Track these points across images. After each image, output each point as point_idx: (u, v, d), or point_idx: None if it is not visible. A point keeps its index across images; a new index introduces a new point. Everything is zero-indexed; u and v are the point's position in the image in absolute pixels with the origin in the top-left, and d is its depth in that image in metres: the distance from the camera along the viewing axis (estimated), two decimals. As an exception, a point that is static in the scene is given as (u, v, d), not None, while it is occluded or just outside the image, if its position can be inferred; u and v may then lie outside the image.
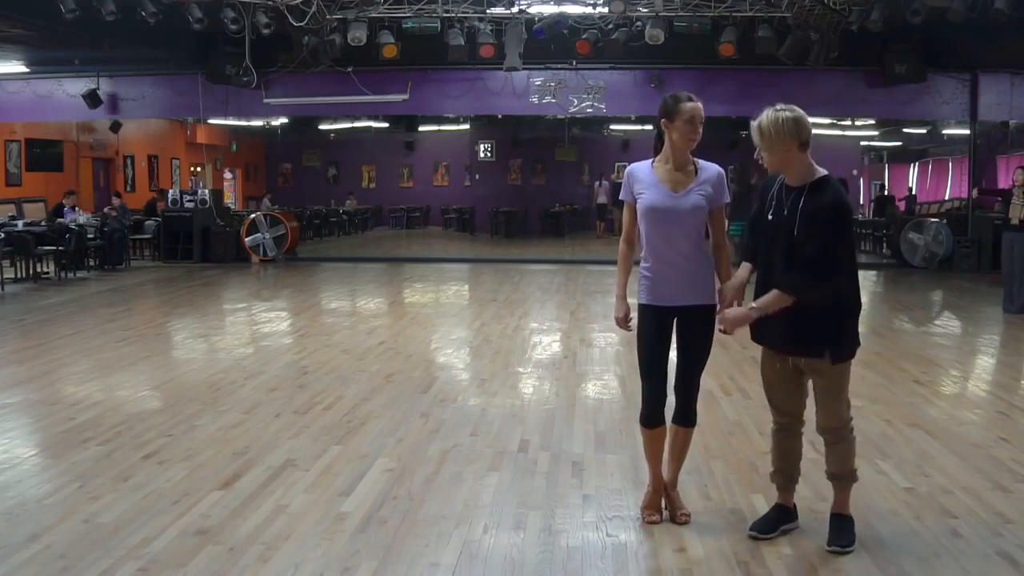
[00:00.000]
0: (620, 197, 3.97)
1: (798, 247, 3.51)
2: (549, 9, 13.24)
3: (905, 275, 14.80)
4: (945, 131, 22.13)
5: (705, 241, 3.89)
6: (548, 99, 15.49)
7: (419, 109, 17.94)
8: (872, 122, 22.66)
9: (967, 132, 17.14)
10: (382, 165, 29.76)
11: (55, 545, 3.66)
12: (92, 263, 15.02)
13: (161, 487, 4.36)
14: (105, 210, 16.20)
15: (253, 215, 17.42)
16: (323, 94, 16.00)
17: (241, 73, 14.02)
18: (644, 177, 3.85)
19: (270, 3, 12.28)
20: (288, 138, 27.32)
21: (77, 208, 15.31)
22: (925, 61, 14.28)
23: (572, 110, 15.85)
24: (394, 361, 7.50)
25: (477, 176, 26.53)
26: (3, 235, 12.55)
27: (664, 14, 12.71)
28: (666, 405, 3.93)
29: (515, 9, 13.45)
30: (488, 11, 13.30)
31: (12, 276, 13.08)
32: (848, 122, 22.58)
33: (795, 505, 3.90)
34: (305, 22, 12.57)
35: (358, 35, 13.08)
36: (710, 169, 3.85)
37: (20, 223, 13.70)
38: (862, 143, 27.52)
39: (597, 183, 24.12)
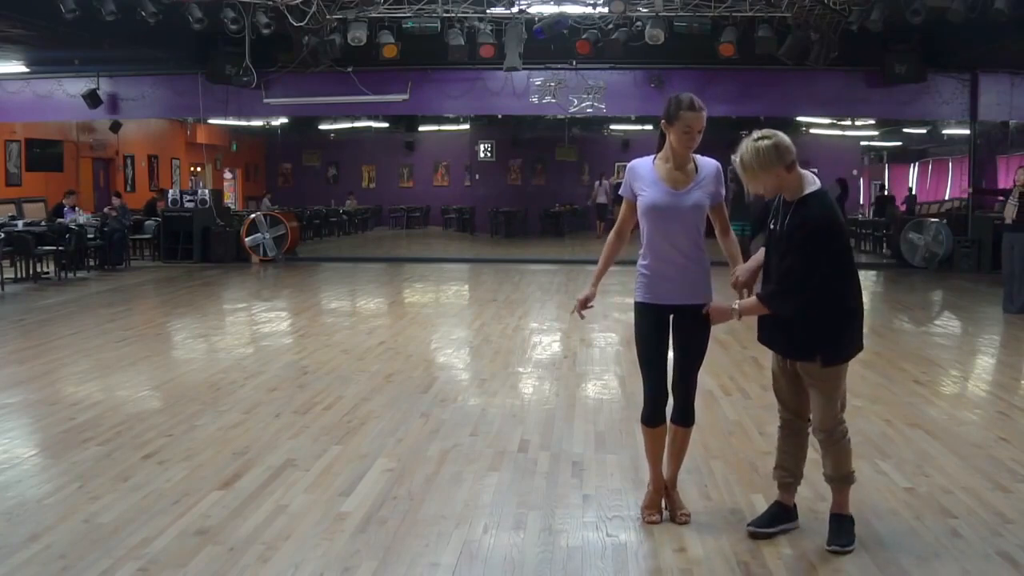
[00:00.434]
0: (620, 192, 3.98)
1: (782, 260, 3.59)
2: (549, 9, 13.25)
3: (905, 275, 14.80)
4: (945, 131, 22.14)
5: (705, 240, 3.89)
6: (548, 99, 15.50)
7: (419, 109, 17.95)
8: (872, 122, 22.67)
9: (967, 132, 17.14)
10: (382, 165, 29.76)
11: (55, 545, 3.66)
12: (92, 263, 15.02)
13: (161, 487, 4.36)
14: (105, 210, 16.20)
15: (253, 215, 17.42)
16: (323, 94, 16.01)
17: (241, 73, 14.02)
18: (645, 175, 3.85)
19: (270, 3, 12.28)
20: (288, 138, 27.33)
21: (77, 208, 15.31)
22: (925, 61, 14.29)
23: (572, 110, 15.85)
24: (394, 361, 7.50)
25: (477, 176, 26.53)
26: (3, 235, 12.55)
27: (664, 14, 12.71)
28: (667, 404, 3.94)
29: (515, 9, 13.45)
30: (488, 11, 13.31)
31: (12, 276, 13.08)
32: (848, 122, 22.59)
33: (795, 505, 3.90)
34: (305, 22, 12.57)
35: (358, 35, 13.09)
36: (708, 166, 3.86)
37: (20, 223, 13.70)
38: (862, 143, 27.53)
39: (597, 183, 24.13)
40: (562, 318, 9.84)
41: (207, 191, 17.09)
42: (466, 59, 13.79)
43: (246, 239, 16.47)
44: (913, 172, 29.46)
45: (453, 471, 4.63)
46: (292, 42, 13.93)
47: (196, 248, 16.42)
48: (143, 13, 11.55)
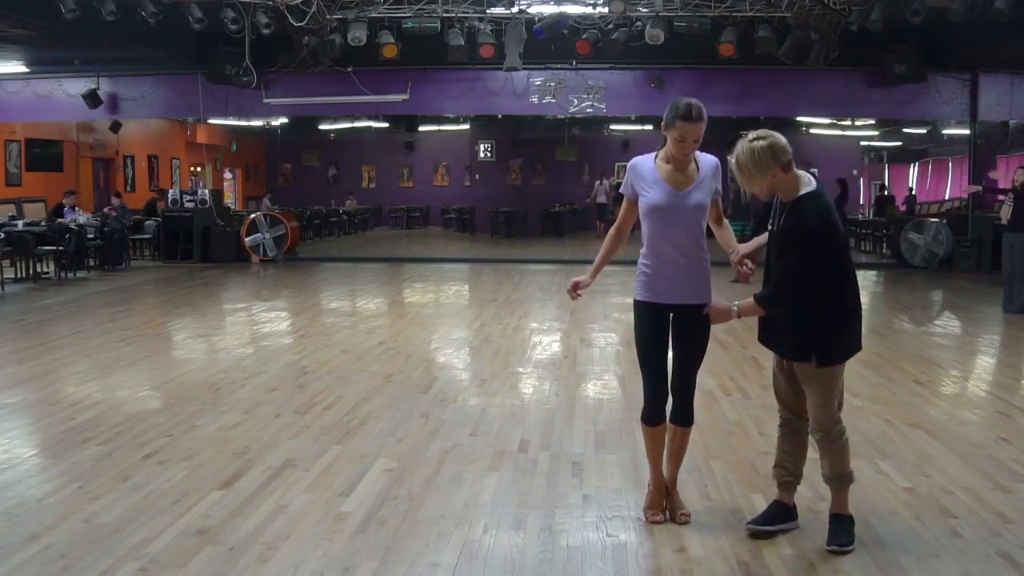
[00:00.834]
0: (621, 190, 3.98)
1: (778, 262, 3.60)
2: (549, 9, 13.24)
3: (905, 275, 14.80)
4: (945, 131, 22.14)
5: (706, 240, 3.89)
6: (548, 99, 15.50)
7: (419, 109, 17.95)
8: (872, 122, 22.67)
9: (967, 132, 17.15)
10: (382, 165, 29.76)
11: (55, 545, 3.66)
12: (92, 263, 15.02)
13: (161, 487, 4.36)
14: (105, 210, 16.19)
15: (253, 215, 17.41)
16: (323, 94, 16.01)
17: (241, 73, 14.02)
18: (647, 174, 3.84)
19: (270, 3, 12.28)
20: (288, 138, 27.33)
21: (77, 208, 15.32)
22: (925, 61, 14.29)
23: (572, 110, 15.85)
24: (394, 361, 7.50)
25: (477, 176, 26.53)
26: (3, 235, 12.55)
27: (664, 14, 12.71)
28: (667, 403, 3.94)
29: (515, 9, 13.45)
30: (488, 11, 13.31)
31: (12, 276, 13.08)
32: (848, 122, 22.59)
33: (795, 505, 3.90)
34: (305, 22, 12.57)
35: (358, 35, 13.08)
36: (709, 163, 3.85)
37: (20, 223, 13.70)
38: (862, 143, 27.54)
39: (597, 182, 24.13)
40: (562, 318, 9.84)
41: (207, 191, 17.08)
42: (466, 59, 13.79)
43: (246, 239, 16.47)
44: (913, 172, 29.47)
45: (453, 471, 4.63)
46: (292, 42, 13.92)
47: (196, 248, 16.42)
48: (143, 13, 11.55)
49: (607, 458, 4.86)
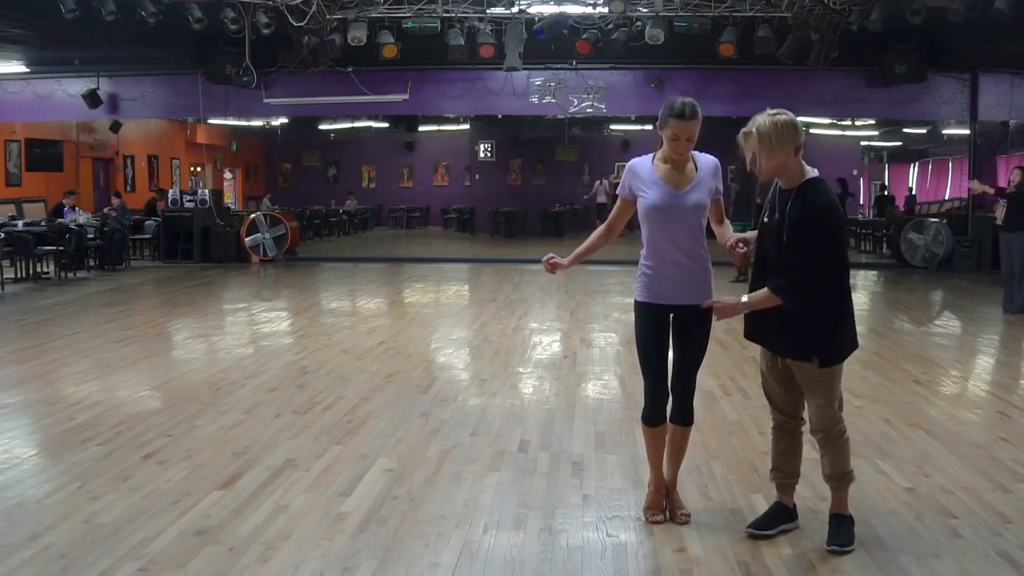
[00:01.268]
0: (617, 191, 3.97)
1: (786, 251, 3.53)
2: (549, 9, 13.24)
3: (905, 275, 14.80)
4: (945, 131, 22.14)
5: (706, 240, 3.89)
6: (548, 99, 15.49)
7: (419, 109, 17.94)
8: (872, 122, 22.68)
9: (967, 132, 17.14)
10: (382, 165, 29.77)
11: (55, 545, 3.66)
12: (92, 263, 15.02)
13: (161, 487, 4.36)
14: (105, 210, 16.20)
15: (253, 215, 17.42)
16: (323, 94, 16.01)
17: (241, 73, 14.01)
18: (645, 175, 3.84)
19: (270, 3, 12.28)
20: (288, 138, 27.34)
21: (77, 208, 15.31)
22: (925, 61, 14.28)
23: (572, 110, 15.85)
24: (394, 361, 7.50)
25: (477, 176, 26.54)
26: (3, 235, 12.55)
27: (664, 14, 12.70)
28: (667, 404, 3.94)
29: (515, 9, 13.44)
30: (488, 11, 13.30)
31: (12, 276, 13.08)
32: (848, 122, 22.60)
33: (795, 505, 3.90)
34: (305, 22, 12.56)
35: (358, 35, 13.08)
36: (707, 163, 3.85)
37: (20, 223, 13.70)
38: (862, 143, 27.55)
39: (597, 183, 24.12)
40: (562, 318, 9.84)
41: (207, 191, 17.08)
42: (466, 59, 13.79)
43: (246, 239, 16.47)
44: (913, 172, 29.48)
45: (453, 471, 4.63)
46: (292, 42, 13.92)
47: (196, 248, 16.43)
48: (143, 13, 11.54)
49: (607, 458, 4.86)
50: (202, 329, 9.51)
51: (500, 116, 20.94)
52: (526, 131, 25.11)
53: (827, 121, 22.13)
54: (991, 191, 13.07)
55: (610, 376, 6.97)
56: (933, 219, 16.42)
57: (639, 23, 13.16)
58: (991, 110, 15.43)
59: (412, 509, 4.09)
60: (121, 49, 13.77)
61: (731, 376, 6.88)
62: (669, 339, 3.90)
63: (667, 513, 3.97)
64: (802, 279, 3.50)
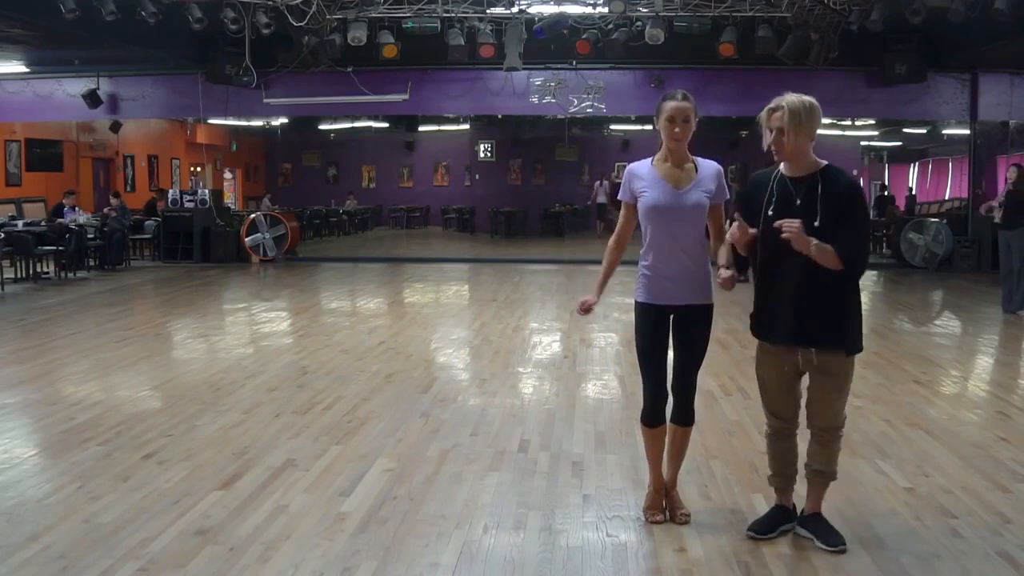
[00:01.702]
0: (619, 197, 3.96)
1: (828, 231, 3.47)
2: (549, 9, 13.24)
3: (905, 275, 14.80)
4: (945, 131, 22.13)
5: (706, 241, 3.89)
6: (548, 99, 15.49)
7: (419, 109, 17.94)
8: (872, 122, 22.67)
9: (967, 132, 17.13)
10: (382, 165, 29.76)
11: (55, 545, 3.66)
12: (92, 263, 15.02)
13: (161, 487, 4.36)
14: (105, 210, 16.20)
15: (253, 215, 17.42)
16: (323, 94, 16.01)
17: (241, 73, 14.01)
18: (645, 175, 3.85)
19: (270, 3, 12.28)
20: (288, 138, 27.33)
21: (77, 208, 15.31)
22: (925, 61, 14.28)
23: (572, 110, 15.85)
24: (394, 361, 7.50)
25: (477, 176, 26.54)
26: (3, 235, 12.55)
27: (664, 14, 12.70)
28: (667, 404, 3.94)
29: (515, 9, 13.44)
30: (488, 11, 13.29)
31: (12, 276, 13.08)
32: (848, 122, 22.59)
33: (795, 505, 3.89)
34: (305, 22, 12.56)
35: (358, 35, 13.08)
36: (709, 167, 3.86)
37: (20, 223, 13.70)
38: (862, 143, 27.53)
39: (597, 183, 24.12)
40: (562, 318, 9.84)
41: (207, 191, 17.09)
42: (466, 59, 13.79)
43: (246, 239, 16.47)
44: (913, 172, 29.47)
45: (453, 471, 4.63)
46: (292, 42, 13.92)
47: (196, 248, 16.42)
48: (143, 13, 11.53)
49: (607, 458, 4.86)
50: (202, 329, 9.51)
51: (500, 116, 20.93)
52: (526, 131, 25.10)
53: (827, 121, 22.06)
54: (996, 205, 13.11)
55: (610, 376, 6.97)
56: (933, 219, 16.43)
57: (639, 23, 13.15)
58: (991, 110, 15.43)
59: (412, 509, 4.09)
60: (121, 49, 13.77)
61: (731, 376, 6.88)
62: (669, 340, 3.90)
63: (667, 513, 3.97)
64: (862, 250, 3.58)
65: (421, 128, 26.44)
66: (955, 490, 4.35)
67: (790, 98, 3.55)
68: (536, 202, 25.41)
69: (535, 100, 15.57)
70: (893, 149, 29.05)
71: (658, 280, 3.84)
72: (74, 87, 15.85)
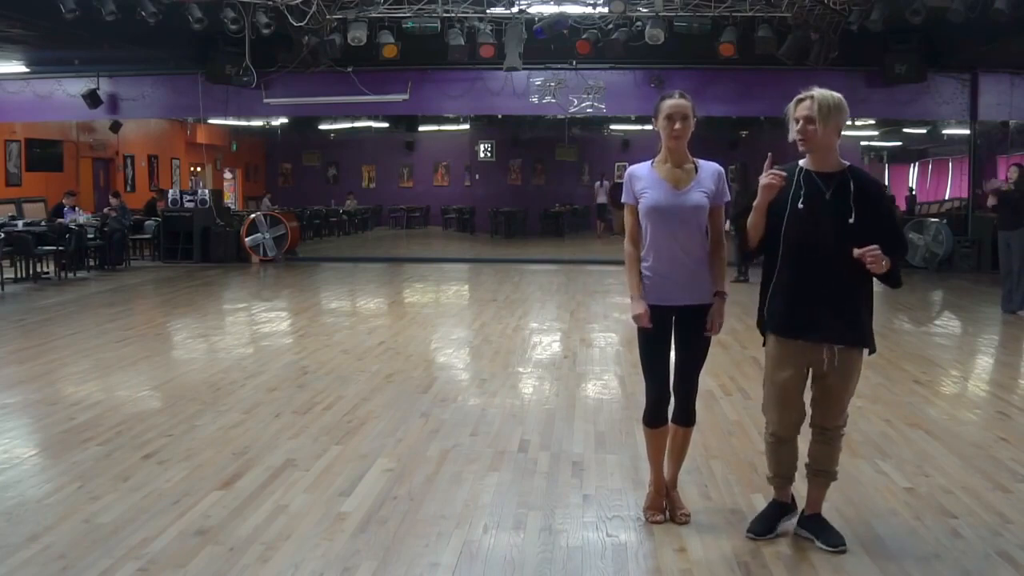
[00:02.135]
0: (622, 200, 3.96)
1: (857, 231, 3.49)
2: (549, 9, 13.23)
3: (905, 275, 14.64)
4: (945, 131, 22.12)
5: (707, 241, 3.89)
6: (548, 99, 15.49)
7: (419, 109, 17.94)
8: (872, 122, 22.65)
9: (967, 132, 17.13)
10: (382, 165, 29.76)
11: (55, 545, 3.67)
12: (92, 263, 15.02)
13: (161, 487, 4.36)
14: (104, 210, 16.20)
15: (253, 215, 17.42)
16: (323, 94, 16.01)
17: (241, 73, 14.01)
18: (645, 176, 3.86)
19: (270, 3, 12.27)
20: (288, 138, 27.32)
21: (77, 208, 15.31)
22: (925, 61, 14.27)
23: (572, 110, 15.84)
24: (394, 361, 7.50)
25: (477, 176, 26.53)
26: (3, 235, 12.55)
27: (664, 14, 12.70)
28: (668, 404, 3.94)
29: (515, 9, 13.44)
30: (488, 11, 13.29)
31: (12, 276, 13.08)
32: (848, 122, 22.57)
33: (793, 497, 3.88)
34: (305, 22, 12.56)
35: (358, 35, 13.07)
36: (709, 168, 3.86)
37: (20, 223, 13.70)
38: (862, 143, 27.52)
39: (597, 183, 24.13)
40: (562, 318, 9.84)
41: (207, 191, 17.09)
42: (466, 59, 13.78)
43: (246, 239, 16.47)
44: (913, 172, 29.47)
45: (453, 471, 4.63)
46: (292, 42, 13.91)
47: (196, 248, 16.43)
48: (143, 13, 11.53)
49: (607, 458, 4.86)
50: (202, 329, 9.51)
51: (500, 116, 20.92)
52: (526, 131, 25.10)
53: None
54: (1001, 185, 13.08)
55: (610, 376, 6.97)
56: (933, 219, 16.42)
57: (639, 23, 13.15)
58: (991, 110, 15.43)
59: (412, 509, 4.09)
60: (121, 49, 13.77)
61: (731, 376, 6.88)
62: (671, 341, 3.90)
63: (667, 513, 3.97)
64: (905, 239, 3.63)
65: (421, 128, 26.44)
66: (955, 490, 4.35)
67: (819, 90, 3.58)
68: (536, 202, 25.41)
69: (535, 100, 15.57)
70: (893, 149, 29.04)
71: (660, 281, 3.84)
72: (74, 87, 15.85)
